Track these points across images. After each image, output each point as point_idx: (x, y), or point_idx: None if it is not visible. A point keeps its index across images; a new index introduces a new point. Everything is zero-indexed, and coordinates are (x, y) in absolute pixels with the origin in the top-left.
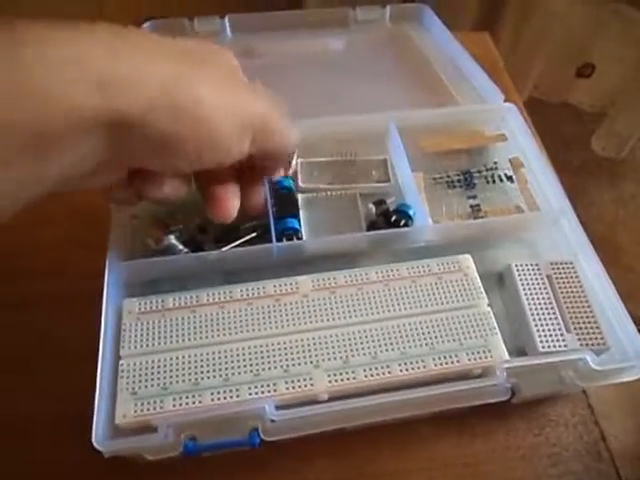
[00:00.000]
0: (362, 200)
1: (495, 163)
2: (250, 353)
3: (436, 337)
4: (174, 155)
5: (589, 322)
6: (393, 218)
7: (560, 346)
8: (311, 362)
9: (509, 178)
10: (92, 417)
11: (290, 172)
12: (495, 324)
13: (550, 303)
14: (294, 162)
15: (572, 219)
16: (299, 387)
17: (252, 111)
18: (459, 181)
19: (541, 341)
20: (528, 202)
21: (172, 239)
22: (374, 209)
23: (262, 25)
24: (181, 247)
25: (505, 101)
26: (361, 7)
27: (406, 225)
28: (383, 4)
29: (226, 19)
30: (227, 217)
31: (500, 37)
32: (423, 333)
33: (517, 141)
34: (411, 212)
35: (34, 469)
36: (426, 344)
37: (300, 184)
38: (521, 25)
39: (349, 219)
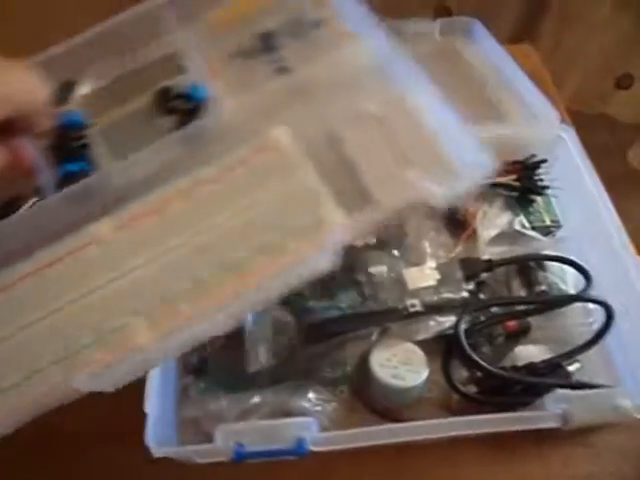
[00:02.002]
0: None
1: None
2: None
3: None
4: None
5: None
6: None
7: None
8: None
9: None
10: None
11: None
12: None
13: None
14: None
15: None
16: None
17: None
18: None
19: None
20: None
21: None
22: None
23: None
24: None
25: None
26: (412, 19)
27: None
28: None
29: None
30: None
31: (537, 46)
32: (244, 235)
33: (571, 164)
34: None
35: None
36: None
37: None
38: (560, 35)
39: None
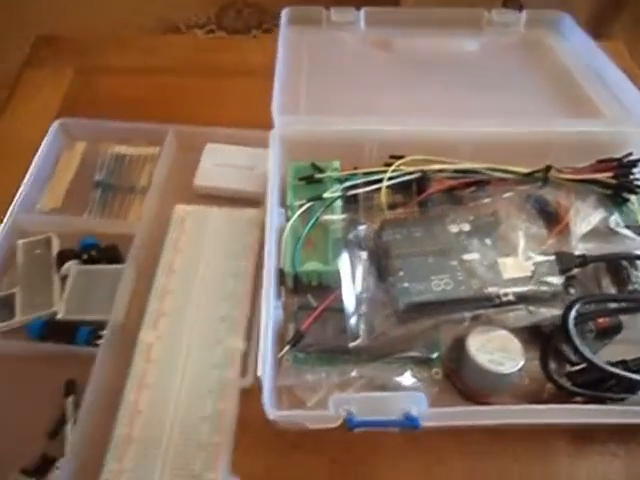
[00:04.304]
0: None
1: None
2: None
3: None
4: None
5: None
6: None
7: None
8: None
9: None
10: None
11: None
12: None
13: None
14: None
15: None
16: None
17: None
18: None
19: None
20: None
21: None
22: None
23: (395, 20)
24: None
25: None
26: (497, 10)
27: None
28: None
29: (361, 11)
30: None
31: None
32: None
33: None
34: None
35: None
36: None
37: None
38: (636, 30)
39: None
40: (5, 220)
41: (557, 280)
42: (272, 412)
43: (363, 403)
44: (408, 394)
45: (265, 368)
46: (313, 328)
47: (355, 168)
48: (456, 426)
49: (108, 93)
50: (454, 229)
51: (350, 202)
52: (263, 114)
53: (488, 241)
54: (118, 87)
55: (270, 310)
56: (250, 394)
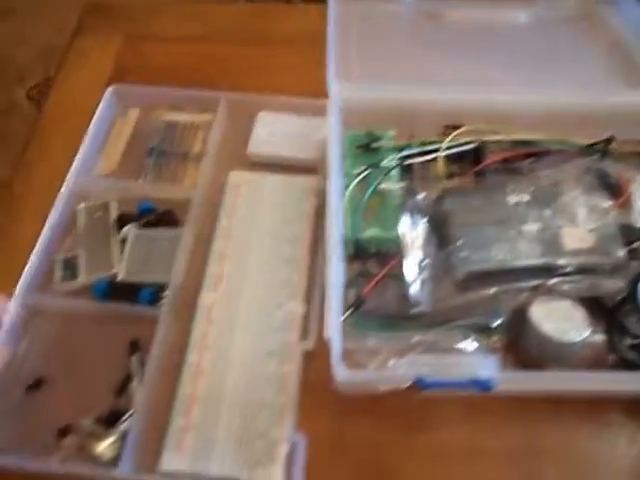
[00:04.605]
0: None
1: None
2: None
3: None
4: None
5: None
6: None
7: None
8: None
9: None
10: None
11: None
12: None
13: None
14: None
15: None
16: None
17: None
18: None
19: None
20: None
21: None
22: None
23: None
24: None
25: None
26: None
27: None
28: None
29: None
30: None
31: None
32: None
33: None
34: None
35: None
36: None
37: None
38: None
39: None
40: (65, 185)
41: (620, 252)
42: (342, 373)
43: (434, 365)
44: (479, 357)
45: (334, 330)
46: (373, 294)
47: (410, 137)
48: (517, 394)
49: (157, 60)
50: (513, 199)
51: (405, 171)
52: (313, 82)
53: (548, 212)
54: (167, 54)
55: (337, 273)
56: (312, 357)
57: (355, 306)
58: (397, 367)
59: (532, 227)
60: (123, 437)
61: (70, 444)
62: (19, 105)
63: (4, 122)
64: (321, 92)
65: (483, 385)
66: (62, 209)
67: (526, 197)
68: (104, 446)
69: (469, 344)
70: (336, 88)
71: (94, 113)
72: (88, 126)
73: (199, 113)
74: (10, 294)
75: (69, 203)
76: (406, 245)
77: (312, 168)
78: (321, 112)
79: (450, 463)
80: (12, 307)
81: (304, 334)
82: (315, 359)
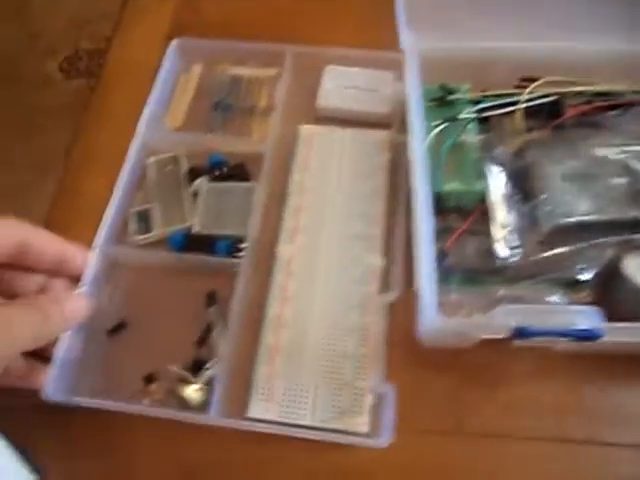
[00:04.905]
0: None
1: None
2: None
3: None
4: None
5: None
6: None
7: None
8: None
9: None
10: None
11: None
12: None
13: None
14: None
15: None
16: None
17: None
18: None
19: None
20: None
21: None
22: None
23: None
24: None
25: None
26: None
27: None
28: None
29: None
30: None
31: None
32: None
33: None
34: None
35: None
36: None
37: None
38: None
39: None
40: (134, 139)
41: None
42: (436, 320)
43: (533, 314)
44: (580, 307)
45: (425, 280)
46: (454, 249)
47: (484, 90)
48: (603, 352)
49: (215, 16)
50: (599, 152)
51: (482, 125)
52: (379, 35)
53: (637, 165)
54: (225, 10)
55: (427, 226)
56: (394, 310)
57: (438, 260)
58: (493, 316)
59: (620, 181)
60: (209, 383)
61: (158, 389)
62: (52, 78)
63: (39, 97)
64: (385, 45)
65: (591, 334)
66: (133, 163)
67: (612, 150)
68: (193, 389)
69: (557, 299)
70: (408, 39)
71: (156, 69)
72: (151, 81)
73: (262, 67)
74: (89, 247)
75: (139, 157)
76: (488, 199)
77: (383, 122)
78: (389, 65)
79: (529, 417)
80: (93, 259)
81: (383, 287)
82: (395, 312)
